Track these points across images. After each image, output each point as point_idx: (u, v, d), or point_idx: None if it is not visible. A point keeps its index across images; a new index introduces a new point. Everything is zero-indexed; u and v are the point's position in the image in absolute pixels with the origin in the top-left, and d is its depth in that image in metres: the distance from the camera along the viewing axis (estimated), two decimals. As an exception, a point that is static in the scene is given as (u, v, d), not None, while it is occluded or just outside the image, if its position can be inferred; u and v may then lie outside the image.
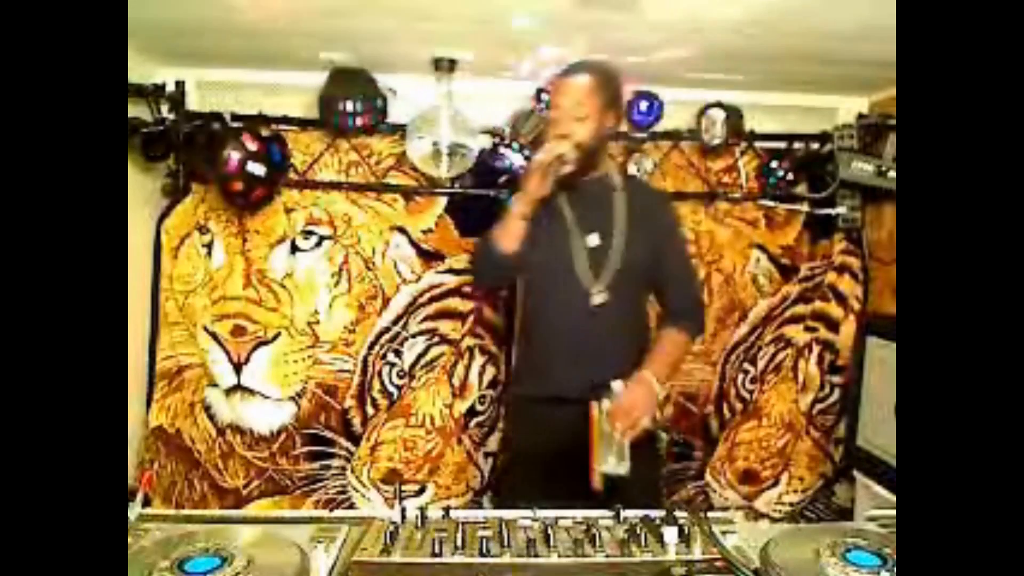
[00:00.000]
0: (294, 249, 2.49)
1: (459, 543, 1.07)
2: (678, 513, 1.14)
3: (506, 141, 2.41)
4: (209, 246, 2.48)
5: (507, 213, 1.67)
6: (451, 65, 2.29)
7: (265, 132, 2.31)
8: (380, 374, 2.54)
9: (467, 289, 2.51)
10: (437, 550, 1.04)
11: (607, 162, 1.81)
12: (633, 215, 1.73)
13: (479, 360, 2.54)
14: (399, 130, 2.42)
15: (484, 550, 1.05)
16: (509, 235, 1.66)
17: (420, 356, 2.54)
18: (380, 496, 2.53)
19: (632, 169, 2.49)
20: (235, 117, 2.39)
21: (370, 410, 2.54)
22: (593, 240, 1.70)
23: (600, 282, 1.68)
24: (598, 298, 1.68)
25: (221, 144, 2.25)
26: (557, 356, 1.71)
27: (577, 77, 1.67)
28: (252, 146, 2.25)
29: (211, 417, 2.50)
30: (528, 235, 1.67)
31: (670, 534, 1.06)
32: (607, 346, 1.69)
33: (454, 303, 2.52)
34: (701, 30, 1.92)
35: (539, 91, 2.39)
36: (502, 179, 2.43)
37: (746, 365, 2.65)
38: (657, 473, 1.98)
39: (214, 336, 2.45)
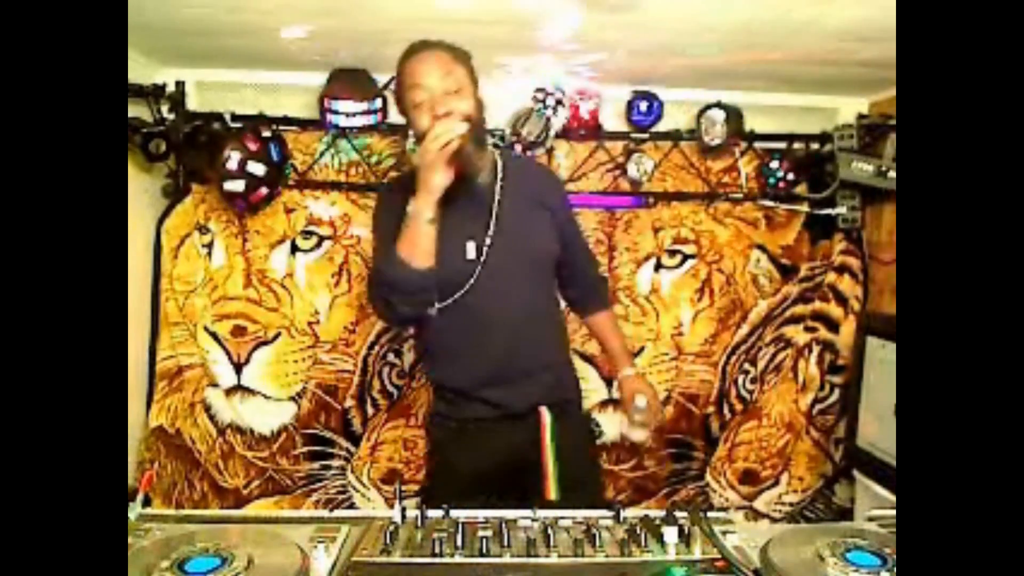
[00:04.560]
0: (294, 249, 2.49)
1: (459, 543, 1.07)
2: (678, 513, 1.14)
3: (506, 142, 2.41)
4: (209, 246, 2.48)
5: (410, 221, 1.38)
6: (451, 65, 2.29)
7: (265, 132, 2.31)
8: (380, 374, 2.54)
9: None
10: (437, 550, 1.04)
11: (487, 155, 1.56)
12: (527, 199, 1.56)
13: (479, 360, 2.53)
14: (399, 130, 2.42)
15: (484, 550, 1.05)
16: (423, 247, 1.38)
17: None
18: (380, 496, 2.53)
19: (632, 169, 2.49)
20: (235, 117, 2.39)
21: (370, 410, 2.54)
22: (471, 250, 1.50)
23: (482, 291, 1.49)
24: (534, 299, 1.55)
25: (221, 144, 2.25)
26: (487, 369, 1.54)
27: (434, 51, 1.45)
28: (252, 146, 2.25)
29: (211, 417, 2.50)
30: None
31: (670, 534, 1.06)
32: (535, 350, 1.58)
33: (454, 303, 2.51)
34: (701, 30, 1.92)
35: (538, 90, 2.39)
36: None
37: (746, 365, 2.65)
38: (597, 469, 2.04)
39: (214, 336, 2.45)
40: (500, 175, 1.55)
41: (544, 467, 1.52)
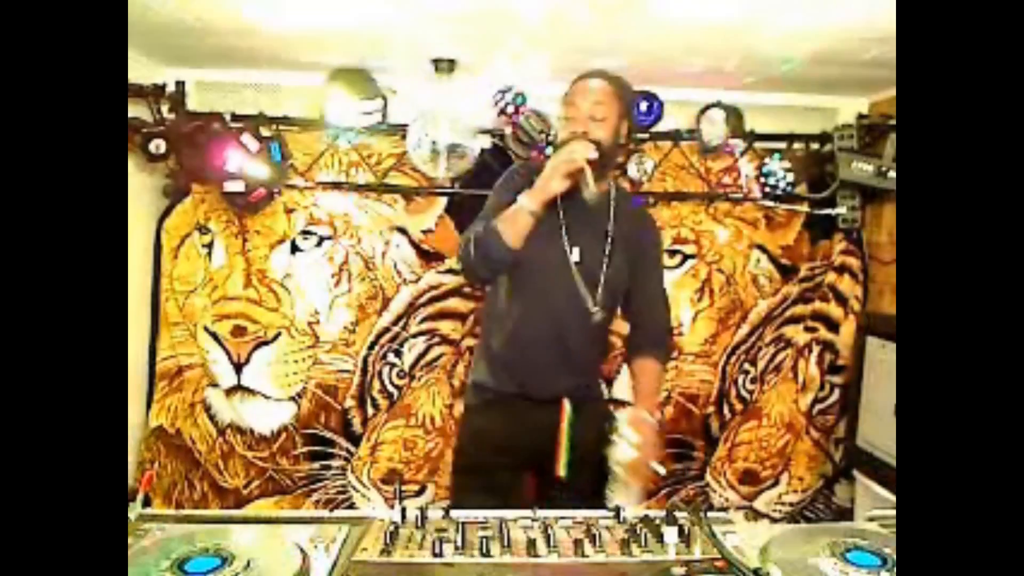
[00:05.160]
0: (294, 249, 2.49)
1: (459, 543, 1.07)
2: (678, 513, 1.14)
3: (506, 141, 2.42)
4: (209, 246, 2.48)
5: (517, 207, 1.59)
6: (451, 65, 2.29)
7: (265, 132, 2.32)
8: (380, 374, 2.54)
9: (467, 289, 2.51)
10: (437, 550, 1.04)
11: (609, 177, 1.79)
12: (622, 234, 1.75)
13: (479, 360, 2.53)
14: (399, 130, 2.42)
15: (484, 550, 1.05)
16: (517, 231, 1.59)
17: (420, 356, 2.54)
18: (380, 496, 2.53)
19: (632, 169, 2.49)
20: (235, 117, 2.39)
21: (370, 410, 2.54)
22: (576, 255, 1.70)
23: (597, 299, 1.69)
24: (597, 315, 1.69)
25: (221, 144, 2.25)
26: (534, 360, 1.72)
27: (597, 80, 1.68)
28: (252, 146, 2.25)
29: (211, 417, 2.50)
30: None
31: (670, 534, 1.06)
32: (581, 356, 1.76)
33: (454, 303, 2.52)
34: (701, 30, 1.92)
35: (497, 92, 2.40)
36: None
37: (746, 365, 2.65)
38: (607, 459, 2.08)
39: (214, 336, 2.45)
40: (613, 203, 1.75)
41: (558, 447, 1.68)
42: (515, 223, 1.59)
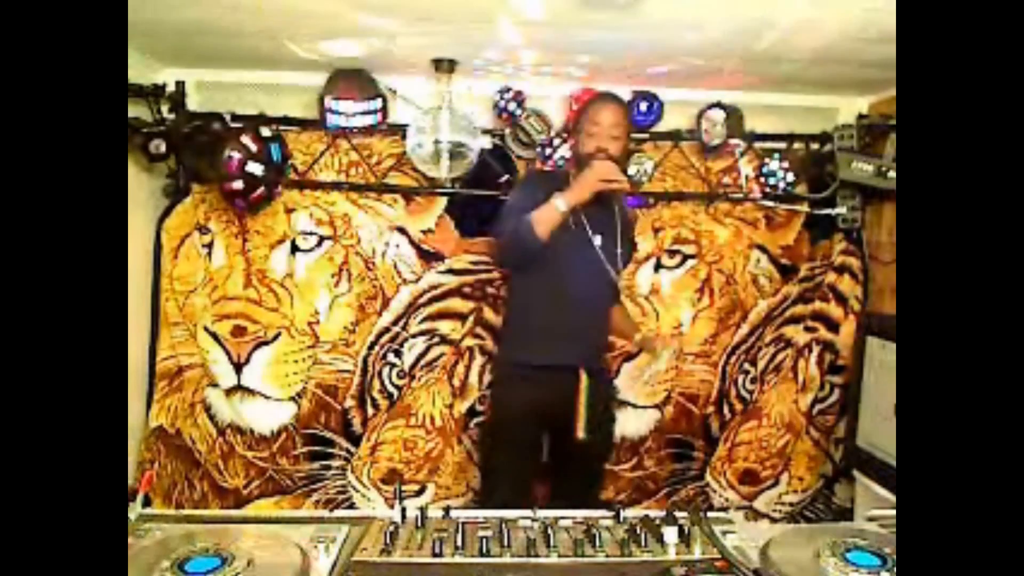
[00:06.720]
0: (294, 249, 2.49)
1: (459, 543, 1.07)
2: (678, 513, 1.14)
3: (506, 141, 2.41)
4: (209, 246, 2.48)
5: (551, 207, 1.87)
6: (451, 65, 2.29)
7: (265, 132, 2.31)
8: (380, 374, 2.54)
9: (467, 289, 2.52)
10: (437, 550, 1.04)
11: None
12: (624, 224, 2.11)
13: (479, 360, 2.54)
14: (399, 130, 2.42)
15: (484, 550, 1.05)
16: (548, 225, 1.87)
17: (420, 356, 2.54)
18: (380, 496, 2.53)
19: (632, 170, 2.49)
20: (235, 117, 2.39)
21: (370, 410, 2.54)
22: (598, 240, 2.02)
23: (617, 269, 2.08)
24: (619, 281, 2.08)
25: (221, 144, 2.25)
26: (555, 332, 2.00)
27: (616, 103, 1.99)
28: (252, 146, 2.25)
29: (211, 417, 2.50)
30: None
31: (670, 534, 1.07)
32: (595, 328, 2.12)
33: (454, 303, 2.52)
34: (701, 29, 1.92)
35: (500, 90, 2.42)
36: (502, 179, 2.45)
37: (746, 365, 2.65)
38: (613, 420, 2.34)
39: (214, 336, 2.45)
40: (617, 202, 2.09)
41: (577, 411, 1.98)
42: (547, 220, 1.87)
